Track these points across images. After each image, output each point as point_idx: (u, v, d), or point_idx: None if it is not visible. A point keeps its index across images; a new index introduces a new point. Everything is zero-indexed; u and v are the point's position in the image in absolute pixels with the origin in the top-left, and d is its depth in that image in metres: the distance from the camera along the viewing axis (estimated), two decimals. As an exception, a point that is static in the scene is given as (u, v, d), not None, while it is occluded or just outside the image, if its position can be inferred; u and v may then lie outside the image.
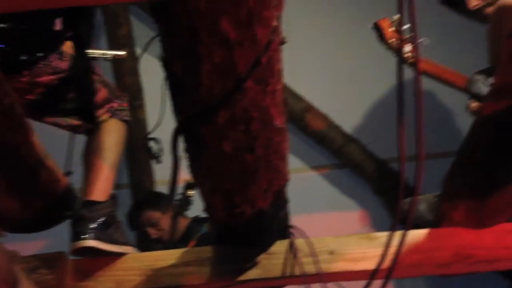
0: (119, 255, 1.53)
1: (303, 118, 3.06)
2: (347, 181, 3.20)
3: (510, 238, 1.48)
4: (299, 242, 1.49)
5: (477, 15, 2.00)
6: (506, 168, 1.24)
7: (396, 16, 2.22)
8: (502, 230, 1.48)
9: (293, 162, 3.29)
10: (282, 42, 0.98)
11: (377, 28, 2.04)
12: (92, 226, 1.47)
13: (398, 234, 1.19)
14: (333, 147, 3.10)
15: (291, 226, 1.51)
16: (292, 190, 1.39)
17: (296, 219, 1.51)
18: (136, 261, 1.54)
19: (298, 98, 3.07)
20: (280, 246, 1.50)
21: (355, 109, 3.12)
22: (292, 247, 1.48)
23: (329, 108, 3.07)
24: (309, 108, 3.07)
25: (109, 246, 1.50)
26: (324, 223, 3.23)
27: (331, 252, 1.49)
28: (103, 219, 1.50)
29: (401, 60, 1.03)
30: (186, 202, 2.39)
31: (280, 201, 1.38)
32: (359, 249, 1.49)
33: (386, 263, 1.20)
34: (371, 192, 3.12)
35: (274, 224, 1.44)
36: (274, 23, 0.91)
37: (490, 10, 1.87)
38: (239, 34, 0.87)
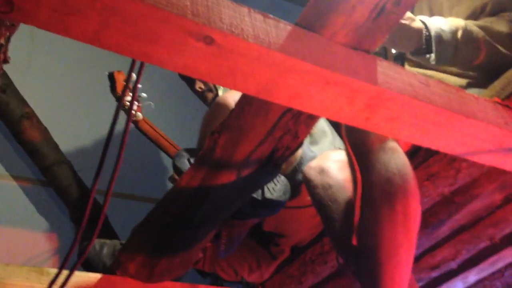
0: None
1: (20, 124, 2.83)
2: (47, 201, 3.05)
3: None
4: (-40, 263, 1.35)
5: (200, 97, 2.26)
6: (182, 236, 1.40)
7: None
8: (165, 286, 1.63)
9: (-5, 165, 3.02)
10: (6, 61, 0.93)
11: (111, 78, 2.13)
12: None
13: (65, 274, 1.19)
14: (43, 163, 2.93)
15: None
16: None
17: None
18: None
19: (22, 101, 2.84)
20: None
21: (77, 133, 3.05)
22: None
23: (51, 123, 2.93)
24: (31, 116, 2.86)
25: None
26: (9, 238, 2.98)
27: (-5, 281, 1.39)
28: None
29: (120, 110, 1.07)
30: None
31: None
32: (26, 282, 1.42)
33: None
34: (68, 218, 3.03)
35: None
36: (2, 41, 0.86)
37: (209, 95, 2.12)
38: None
